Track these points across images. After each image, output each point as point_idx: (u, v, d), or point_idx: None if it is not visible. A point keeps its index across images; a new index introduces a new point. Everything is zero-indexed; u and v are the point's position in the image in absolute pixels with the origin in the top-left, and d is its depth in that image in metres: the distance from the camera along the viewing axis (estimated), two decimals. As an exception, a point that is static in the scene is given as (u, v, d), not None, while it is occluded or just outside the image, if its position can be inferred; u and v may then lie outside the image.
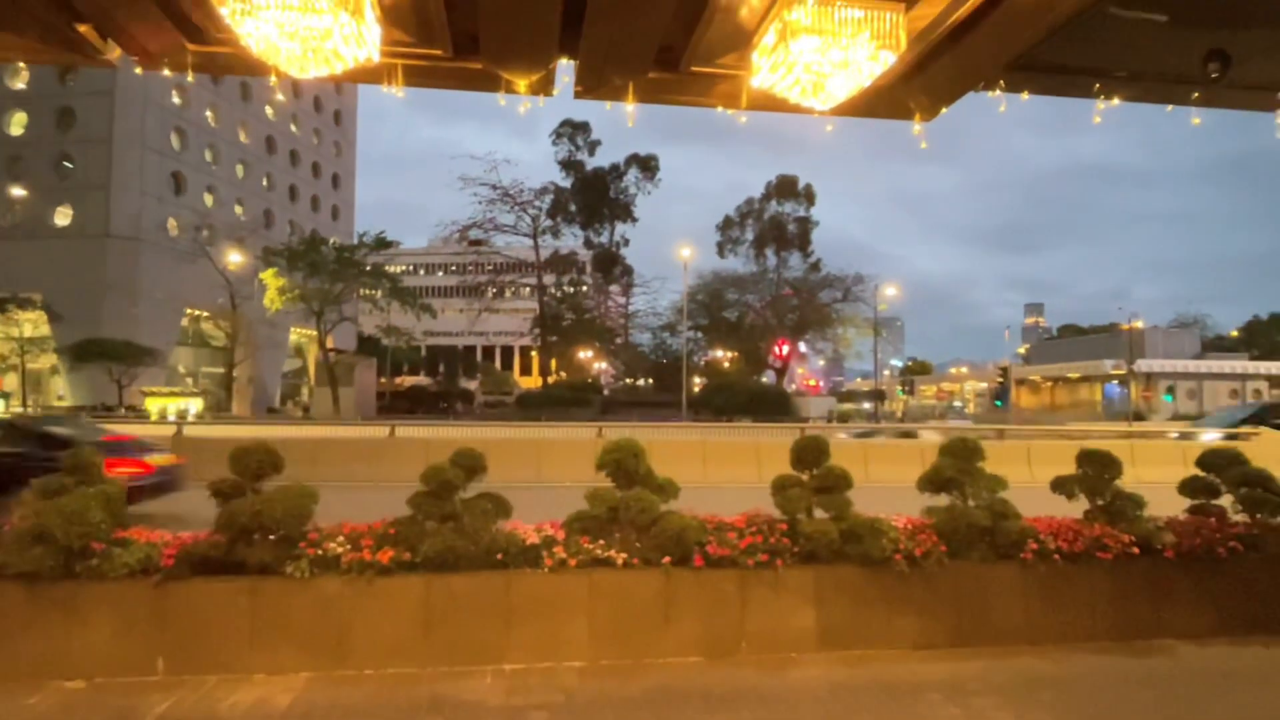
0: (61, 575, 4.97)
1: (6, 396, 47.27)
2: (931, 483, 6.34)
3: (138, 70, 4.97)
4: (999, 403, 63.06)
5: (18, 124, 55.55)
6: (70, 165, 54.68)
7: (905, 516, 6.21)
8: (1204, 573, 6.19)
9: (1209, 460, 6.93)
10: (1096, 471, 6.50)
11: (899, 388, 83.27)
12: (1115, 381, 64.39)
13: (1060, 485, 6.62)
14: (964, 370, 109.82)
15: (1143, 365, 62.02)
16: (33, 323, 49.15)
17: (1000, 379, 62.54)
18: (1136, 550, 6.05)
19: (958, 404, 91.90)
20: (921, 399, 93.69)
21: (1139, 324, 65.15)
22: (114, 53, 4.74)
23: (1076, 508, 6.60)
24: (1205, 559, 6.19)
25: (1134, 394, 58.25)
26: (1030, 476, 14.11)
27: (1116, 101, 5.45)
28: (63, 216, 54.40)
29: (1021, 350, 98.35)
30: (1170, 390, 62.34)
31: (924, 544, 5.84)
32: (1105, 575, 6.04)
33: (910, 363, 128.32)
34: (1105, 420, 53.54)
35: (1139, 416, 52.83)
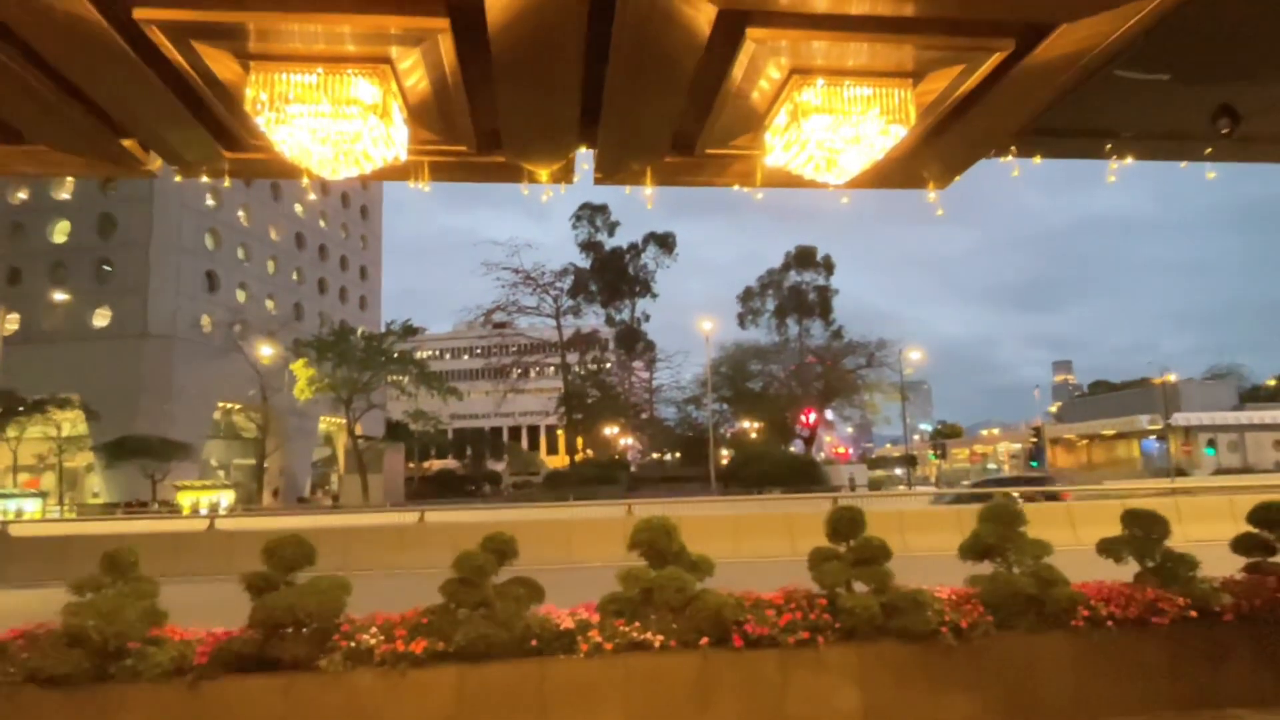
0: (96, 677, 4.94)
1: (43, 495, 47.80)
2: (973, 550, 6.18)
3: (177, 178, 5.20)
4: (1034, 463, 61.55)
5: (61, 232, 58.02)
6: (110, 269, 56.72)
7: (948, 587, 6.03)
8: (1266, 635, 5.91)
9: (1263, 516, 6.68)
10: (1144, 532, 6.30)
11: (930, 452, 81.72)
12: (1153, 437, 62.82)
13: (1107, 548, 6.40)
14: (995, 431, 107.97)
15: (1180, 419, 60.56)
16: (70, 422, 50.14)
17: (1034, 439, 61.14)
18: (1194, 614, 5.81)
19: (991, 466, 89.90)
20: (954, 462, 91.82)
21: (1172, 377, 63.85)
22: (155, 163, 4.98)
23: (1125, 571, 6.38)
24: (1267, 620, 5.92)
25: (1173, 449, 56.72)
26: (1074, 539, 13.71)
27: (1130, 160, 5.50)
28: (101, 318, 56.19)
29: (1053, 409, 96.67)
30: (1211, 443, 60.65)
31: (969, 615, 5.65)
32: (1161, 642, 5.78)
33: (940, 426, 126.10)
34: (1146, 476, 52.05)
35: (1180, 472, 51.28)
